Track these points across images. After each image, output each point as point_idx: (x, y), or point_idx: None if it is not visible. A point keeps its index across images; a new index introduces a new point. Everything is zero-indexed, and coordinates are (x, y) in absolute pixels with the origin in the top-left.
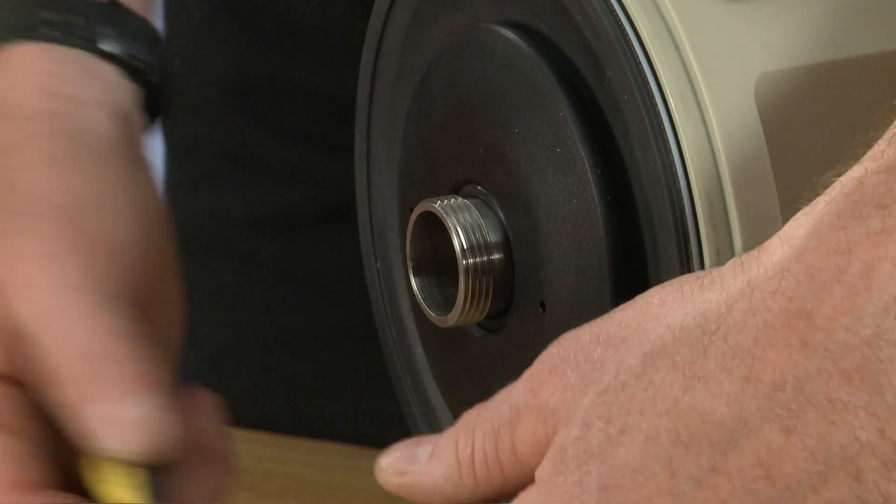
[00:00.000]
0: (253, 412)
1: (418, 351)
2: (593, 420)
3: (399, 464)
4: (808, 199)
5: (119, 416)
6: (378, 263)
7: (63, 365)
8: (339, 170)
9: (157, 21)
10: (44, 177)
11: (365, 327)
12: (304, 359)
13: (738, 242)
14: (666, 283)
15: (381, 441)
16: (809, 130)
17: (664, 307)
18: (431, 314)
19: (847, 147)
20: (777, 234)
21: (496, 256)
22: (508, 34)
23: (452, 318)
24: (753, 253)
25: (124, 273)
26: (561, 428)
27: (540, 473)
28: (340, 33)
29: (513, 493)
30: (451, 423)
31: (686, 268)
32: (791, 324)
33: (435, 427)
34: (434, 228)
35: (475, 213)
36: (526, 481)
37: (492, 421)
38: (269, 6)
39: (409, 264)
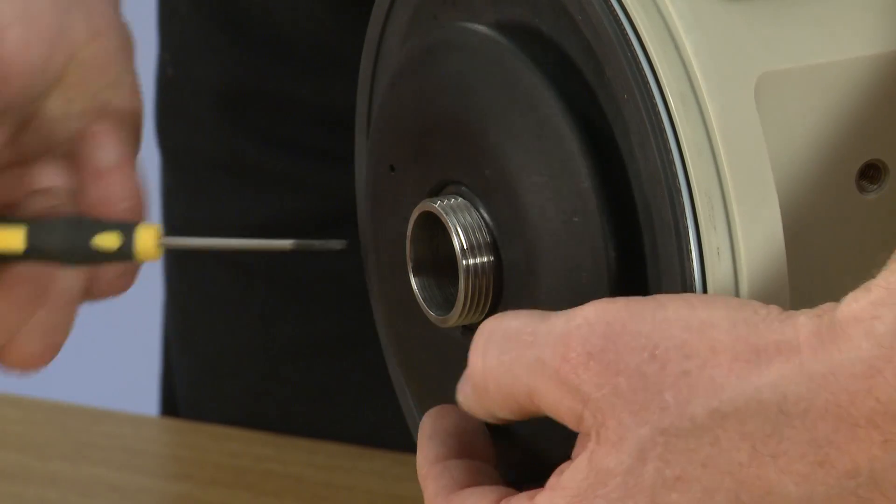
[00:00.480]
0: (249, 418)
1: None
2: (650, 457)
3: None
4: (863, 275)
5: None
6: None
7: None
8: (330, 179)
9: None
10: None
11: (360, 335)
12: (300, 365)
13: (739, 243)
14: (737, 319)
15: (378, 445)
16: (810, 131)
17: (737, 362)
18: (432, 314)
19: (846, 148)
20: (850, 308)
21: (496, 256)
22: (487, 32)
23: (452, 318)
24: (826, 323)
25: None
26: (606, 444)
27: (573, 482)
28: (328, 46)
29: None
30: None
31: (685, 269)
32: (876, 422)
33: None
34: (433, 228)
35: (475, 213)
36: (540, 417)
37: (510, 356)
38: (259, 18)
39: (409, 264)
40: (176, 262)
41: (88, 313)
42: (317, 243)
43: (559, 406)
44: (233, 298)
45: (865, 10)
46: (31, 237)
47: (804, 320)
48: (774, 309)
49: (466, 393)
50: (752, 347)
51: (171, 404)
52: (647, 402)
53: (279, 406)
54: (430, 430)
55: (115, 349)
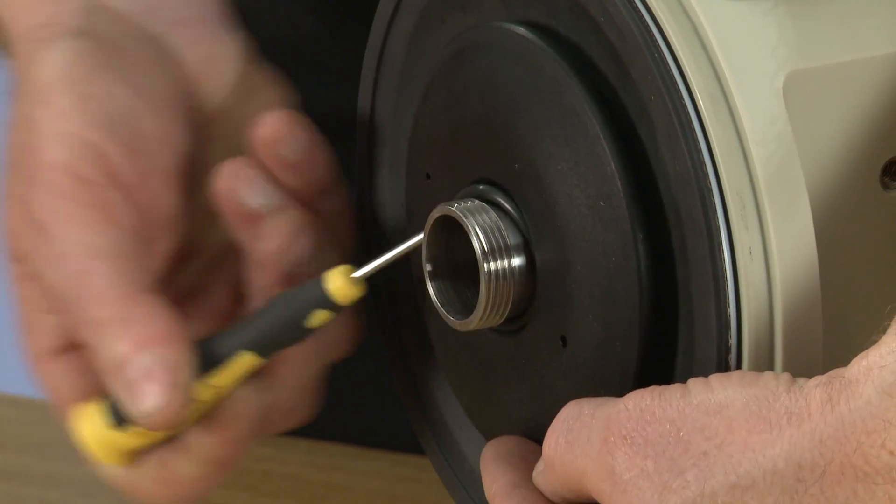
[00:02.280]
0: None
1: (422, 353)
2: None
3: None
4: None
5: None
6: None
7: (90, 331)
8: None
9: None
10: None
11: None
12: None
13: (771, 242)
14: (750, 395)
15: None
16: (838, 128)
17: (751, 436)
18: (450, 318)
19: (870, 145)
20: (860, 366)
21: (517, 258)
22: (527, 34)
23: (472, 322)
24: (836, 385)
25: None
26: None
27: None
28: (308, 52)
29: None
30: (458, 426)
31: (717, 269)
32: (894, 477)
33: (440, 429)
34: (450, 232)
35: (493, 215)
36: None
37: (573, 435)
38: (239, 23)
39: (427, 268)
40: None
41: None
42: None
43: (600, 487)
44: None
45: (890, 7)
46: (255, 339)
47: (812, 387)
48: (785, 379)
49: (539, 469)
50: (765, 420)
51: None
52: (670, 481)
53: None
54: (493, 453)
55: None
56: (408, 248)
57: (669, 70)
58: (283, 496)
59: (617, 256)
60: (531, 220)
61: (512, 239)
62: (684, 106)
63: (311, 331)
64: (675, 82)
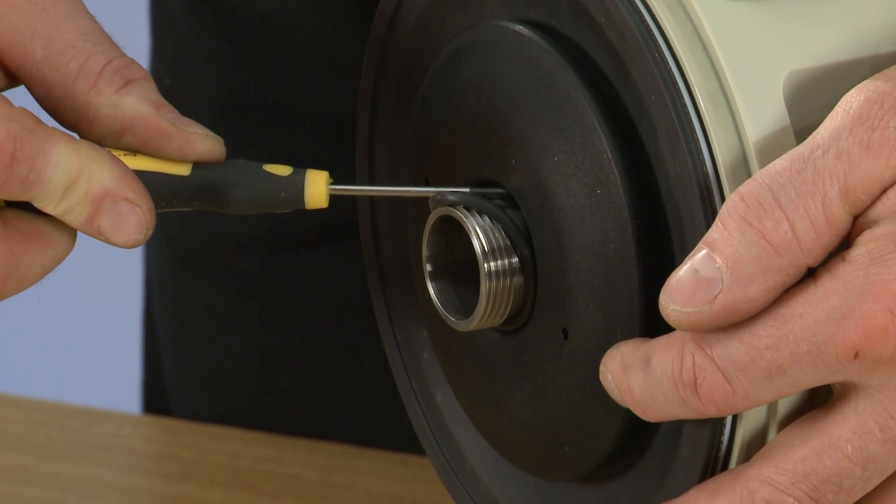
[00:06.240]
0: (249, 427)
1: (424, 356)
2: None
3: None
4: None
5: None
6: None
7: None
8: None
9: None
10: None
11: (360, 344)
12: (301, 375)
13: None
14: None
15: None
16: None
17: None
18: (451, 318)
19: None
20: None
21: (517, 259)
22: (523, 30)
23: (473, 322)
24: None
25: None
26: None
27: None
28: (329, 54)
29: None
30: (459, 427)
31: None
32: None
33: (443, 431)
34: (450, 232)
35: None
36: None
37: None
38: (258, 26)
39: (427, 269)
40: (171, 270)
41: (88, 313)
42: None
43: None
44: (232, 307)
45: (891, 7)
46: (196, 167)
47: None
48: None
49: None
50: None
51: (158, 410)
52: None
53: (279, 415)
54: None
55: (118, 350)
56: (389, 192)
57: (670, 70)
58: (284, 496)
59: (615, 244)
60: (529, 214)
61: (513, 238)
62: (684, 106)
63: (255, 182)
64: (676, 82)
